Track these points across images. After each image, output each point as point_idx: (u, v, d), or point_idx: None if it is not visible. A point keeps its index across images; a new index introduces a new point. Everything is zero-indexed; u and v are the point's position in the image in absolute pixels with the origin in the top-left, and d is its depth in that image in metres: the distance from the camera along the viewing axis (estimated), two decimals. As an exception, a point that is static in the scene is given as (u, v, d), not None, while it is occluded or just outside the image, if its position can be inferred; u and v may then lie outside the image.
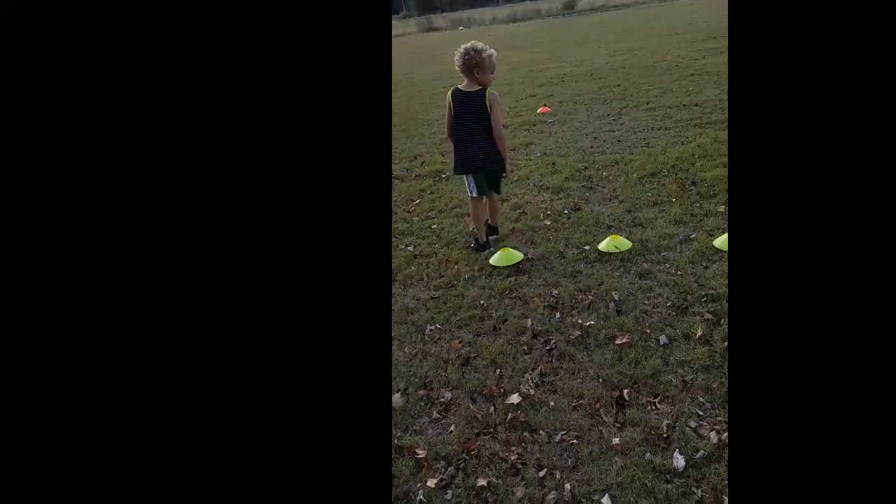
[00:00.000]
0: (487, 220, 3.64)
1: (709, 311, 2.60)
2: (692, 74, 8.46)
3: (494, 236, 3.61)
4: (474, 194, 3.41)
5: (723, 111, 6.13)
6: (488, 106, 3.17)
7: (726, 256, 3.09)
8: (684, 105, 6.65)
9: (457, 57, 3.17)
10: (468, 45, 3.16)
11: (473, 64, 3.12)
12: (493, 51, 3.18)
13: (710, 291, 2.76)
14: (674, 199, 3.97)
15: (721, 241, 3.23)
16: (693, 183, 4.21)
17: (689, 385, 2.18)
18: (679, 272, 2.99)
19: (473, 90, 3.17)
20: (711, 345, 2.39)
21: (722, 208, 3.71)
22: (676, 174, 4.46)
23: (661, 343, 2.43)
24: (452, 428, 2.13)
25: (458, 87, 3.22)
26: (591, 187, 4.48)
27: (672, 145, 5.21)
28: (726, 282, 2.84)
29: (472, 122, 3.20)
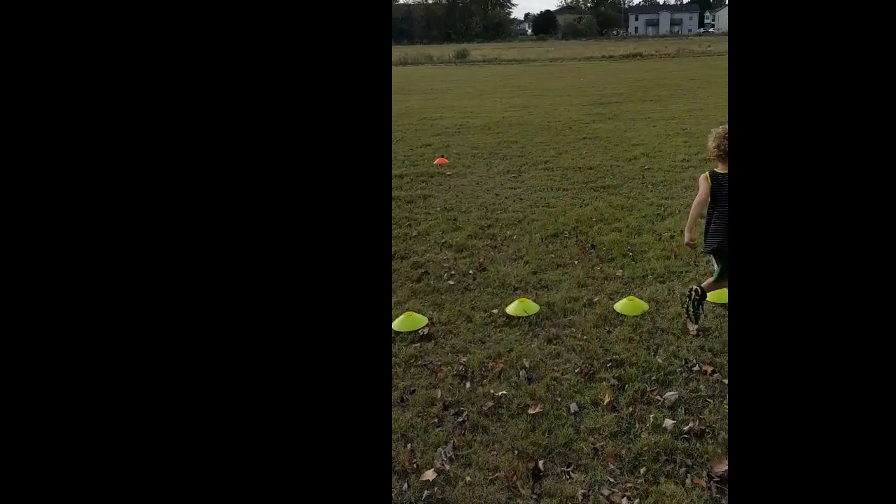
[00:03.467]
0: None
1: (614, 377, 2.68)
2: (584, 138, 8.99)
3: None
4: (713, 278, 3.33)
5: (615, 176, 6.51)
6: None
7: (627, 321, 3.23)
8: (580, 168, 7.02)
9: (717, 143, 3.12)
10: (725, 128, 3.12)
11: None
12: None
13: (614, 356, 2.85)
14: (576, 262, 4.12)
15: (621, 306, 3.37)
16: (593, 246, 4.40)
17: (599, 452, 2.22)
18: (585, 337, 3.07)
19: (725, 172, 3.16)
20: (618, 410, 2.46)
21: (620, 272, 3.89)
22: (577, 236, 4.64)
23: (572, 411, 2.47)
24: (365, 511, 2.03)
25: (715, 170, 3.21)
26: (496, 246, 4.55)
27: (571, 207, 5.44)
28: (629, 346, 2.96)
29: (723, 204, 3.18)
